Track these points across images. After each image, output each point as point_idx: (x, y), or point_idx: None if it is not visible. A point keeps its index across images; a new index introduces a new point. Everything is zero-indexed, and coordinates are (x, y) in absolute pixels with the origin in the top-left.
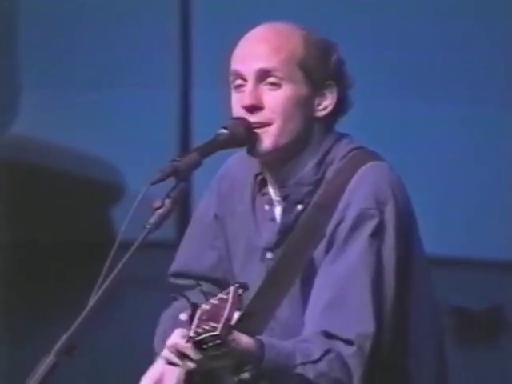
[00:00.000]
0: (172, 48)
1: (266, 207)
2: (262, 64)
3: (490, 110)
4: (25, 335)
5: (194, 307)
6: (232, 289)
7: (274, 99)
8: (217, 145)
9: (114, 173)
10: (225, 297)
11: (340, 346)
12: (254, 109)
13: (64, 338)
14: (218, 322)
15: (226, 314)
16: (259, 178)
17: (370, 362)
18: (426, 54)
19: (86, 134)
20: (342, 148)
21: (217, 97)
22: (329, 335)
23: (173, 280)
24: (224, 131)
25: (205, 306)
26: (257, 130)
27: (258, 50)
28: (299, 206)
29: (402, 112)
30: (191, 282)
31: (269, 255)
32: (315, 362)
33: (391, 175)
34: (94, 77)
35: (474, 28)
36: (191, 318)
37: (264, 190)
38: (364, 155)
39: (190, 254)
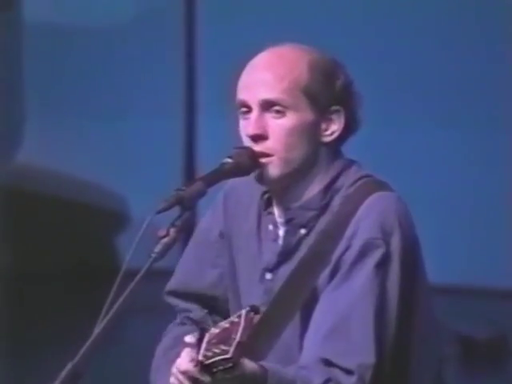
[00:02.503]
0: (177, 78)
1: (270, 227)
2: (266, 94)
3: (494, 135)
4: (25, 363)
5: (203, 330)
6: (244, 312)
7: (279, 128)
8: (222, 174)
9: (119, 201)
10: (236, 320)
11: (340, 376)
12: (258, 138)
13: (69, 366)
14: (229, 345)
15: (238, 337)
16: (266, 196)
17: None
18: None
19: (91, 162)
20: (350, 175)
21: (221, 126)
22: (329, 363)
23: (168, 299)
24: (229, 160)
25: (214, 330)
26: (261, 160)
27: (262, 78)
28: (302, 230)
29: (404, 140)
30: (184, 304)
31: (268, 276)
32: None
33: (398, 205)
34: (99, 106)
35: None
36: (199, 341)
37: (269, 210)
38: (372, 184)
39: (189, 272)
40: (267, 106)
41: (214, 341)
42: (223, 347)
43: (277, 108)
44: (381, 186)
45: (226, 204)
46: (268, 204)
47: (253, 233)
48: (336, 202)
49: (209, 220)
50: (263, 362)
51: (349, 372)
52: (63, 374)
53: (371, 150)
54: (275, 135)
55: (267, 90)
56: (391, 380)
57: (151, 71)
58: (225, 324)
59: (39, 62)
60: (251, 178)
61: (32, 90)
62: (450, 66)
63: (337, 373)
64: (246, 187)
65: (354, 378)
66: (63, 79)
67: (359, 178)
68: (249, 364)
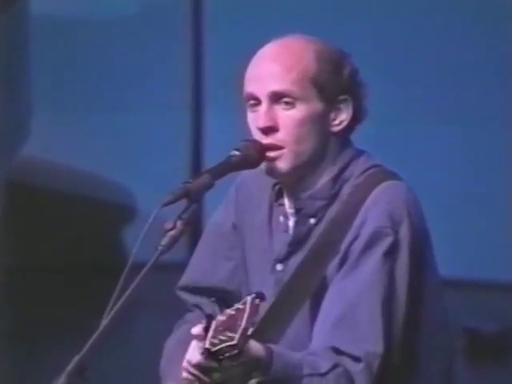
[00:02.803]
0: (184, 70)
1: (281, 218)
2: (275, 86)
3: (499, 132)
4: (26, 359)
5: (210, 318)
6: (249, 299)
7: (289, 119)
8: (229, 167)
9: (125, 194)
10: (241, 307)
11: (348, 363)
12: (268, 130)
13: (76, 359)
14: (235, 331)
15: (243, 323)
16: (277, 187)
17: (378, 381)
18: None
19: (98, 155)
20: (359, 165)
21: (229, 118)
22: (337, 351)
23: (180, 294)
24: (236, 153)
25: (220, 317)
26: (271, 153)
27: (270, 70)
28: (312, 220)
29: (415, 135)
30: (196, 299)
31: (279, 267)
32: (322, 375)
33: (408, 195)
34: (105, 99)
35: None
36: (206, 329)
37: (280, 201)
38: (382, 174)
39: (202, 266)
40: (276, 97)
41: (220, 328)
42: (229, 334)
43: (286, 100)
44: (390, 175)
45: (238, 197)
46: (279, 195)
47: (264, 224)
48: (345, 191)
49: (221, 213)
50: (270, 345)
51: (356, 359)
52: (70, 367)
53: (378, 146)
54: (285, 127)
55: (276, 82)
56: (400, 370)
57: (158, 63)
58: (231, 311)
59: (44, 55)
60: (262, 170)
61: (38, 83)
62: (452, 61)
63: (345, 360)
64: (257, 180)
65: (361, 366)
66: (69, 73)
67: (368, 168)
68: (254, 348)
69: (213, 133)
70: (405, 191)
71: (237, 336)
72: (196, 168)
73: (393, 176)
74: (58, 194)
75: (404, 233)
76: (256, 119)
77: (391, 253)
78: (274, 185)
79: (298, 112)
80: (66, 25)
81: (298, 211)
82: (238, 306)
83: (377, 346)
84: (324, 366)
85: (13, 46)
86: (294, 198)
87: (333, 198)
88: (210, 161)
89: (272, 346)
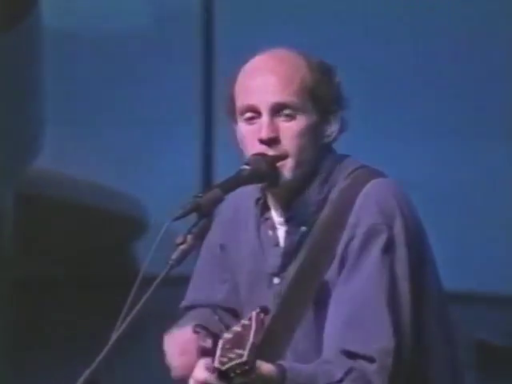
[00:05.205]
0: (195, 84)
1: (270, 232)
2: (277, 98)
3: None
4: (40, 369)
5: (215, 337)
6: (254, 314)
7: (290, 131)
8: (239, 181)
9: (136, 208)
10: (247, 323)
11: (362, 364)
12: (272, 142)
13: (87, 373)
14: (243, 348)
15: (251, 339)
16: (260, 202)
17: (393, 377)
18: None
19: (108, 168)
20: (345, 168)
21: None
22: (349, 354)
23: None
24: (246, 167)
25: (227, 335)
26: (279, 164)
27: (270, 82)
28: (303, 228)
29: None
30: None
31: (275, 280)
32: (338, 382)
33: (396, 190)
34: (117, 112)
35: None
36: (213, 348)
37: (266, 215)
38: (368, 173)
39: (200, 290)
40: (278, 109)
41: (227, 346)
42: (238, 351)
43: (287, 112)
44: (376, 173)
45: (223, 217)
46: (263, 210)
47: (254, 242)
48: (333, 195)
49: (210, 235)
50: (281, 362)
51: (370, 359)
52: (81, 380)
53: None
54: (287, 138)
55: (278, 94)
56: (411, 363)
57: (169, 77)
58: (237, 328)
59: (56, 69)
60: (245, 189)
61: (50, 97)
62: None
63: (358, 362)
64: (241, 199)
65: (375, 365)
66: (81, 86)
67: (354, 170)
68: (265, 365)
69: (224, 147)
70: (393, 186)
71: (246, 353)
72: (207, 182)
73: (379, 174)
74: (68, 207)
75: (398, 227)
76: (256, 131)
77: (388, 248)
78: (257, 200)
79: (297, 123)
80: (78, 38)
81: (288, 220)
82: (244, 322)
83: (388, 343)
84: (338, 373)
85: (24, 59)
86: (284, 208)
87: (321, 203)
88: (221, 175)
89: (283, 362)
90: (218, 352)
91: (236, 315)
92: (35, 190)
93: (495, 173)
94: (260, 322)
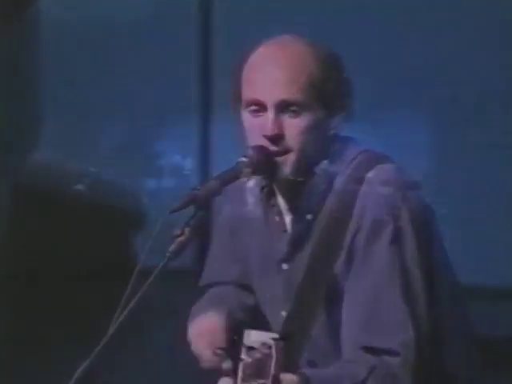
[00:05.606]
0: (193, 77)
1: (277, 218)
2: (284, 95)
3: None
4: (39, 363)
5: (236, 361)
6: (274, 344)
7: (295, 128)
8: (237, 173)
9: (134, 200)
10: (267, 351)
11: (386, 359)
12: (276, 138)
13: (83, 366)
14: (266, 377)
15: (272, 370)
16: (265, 189)
17: (416, 368)
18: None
19: (106, 161)
20: (349, 153)
21: (237, 126)
22: (371, 350)
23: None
24: (244, 160)
25: (247, 359)
26: (278, 158)
27: (278, 78)
28: (309, 216)
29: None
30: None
31: (285, 266)
32: (363, 381)
33: (400, 177)
34: (114, 105)
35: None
36: (234, 372)
37: (272, 202)
38: (372, 159)
39: (215, 270)
40: (284, 106)
41: (248, 372)
42: (260, 381)
43: (293, 108)
44: (380, 159)
45: (232, 201)
46: (269, 196)
47: (261, 227)
48: (338, 181)
49: (220, 220)
50: (304, 371)
51: (394, 353)
52: (77, 373)
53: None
54: (292, 135)
55: (285, 91)
56: (430, 349)
57: (168, 70)
58: (256, 354)
59: (56, 61)
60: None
61: (49, 89)
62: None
63: (382, 357)
64: (245, 185)
65: (399, 358)
66: (81, 78)
67: (357, 154)
68: (288, 376)
69: (221, 139)
70: (397, 173)
71: (269, 383)
72: (205, 174)
73: (383, 159)
74: (65, 200)
75: (404, 216)
76: (262, 126)
77: (396, 239)
78: (262, 188)
79: (303, 120)
80: (77, 30)
81: (293, 208)
82: (264, 350)
83: (408, 333)
84: (362, 372)
85: (24, 51)
86: (288, 198)
87: (326, 190)
88: (219, 167)
89: (305, 371)
90: (240, 376)
91: (252, 292)
92: (34, 183)
93: None
94: (280, 352)
